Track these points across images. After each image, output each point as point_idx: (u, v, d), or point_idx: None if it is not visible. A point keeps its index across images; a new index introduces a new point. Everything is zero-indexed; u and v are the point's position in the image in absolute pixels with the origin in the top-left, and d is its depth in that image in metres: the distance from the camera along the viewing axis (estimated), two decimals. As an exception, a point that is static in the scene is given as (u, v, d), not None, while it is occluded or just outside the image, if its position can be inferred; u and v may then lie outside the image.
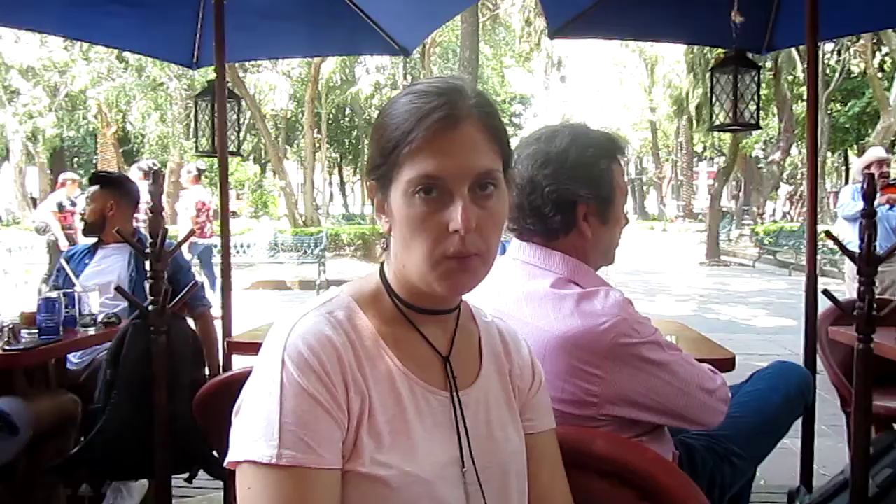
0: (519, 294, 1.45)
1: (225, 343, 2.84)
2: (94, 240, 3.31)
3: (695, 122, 26.82)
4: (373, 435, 0.90)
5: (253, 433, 0.86)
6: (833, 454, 3.16)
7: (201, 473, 2.60)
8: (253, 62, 20.59)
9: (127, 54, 16.66)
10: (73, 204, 9.84)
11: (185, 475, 2.56)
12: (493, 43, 28.99)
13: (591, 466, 1.19)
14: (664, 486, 1.13)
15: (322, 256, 12.23)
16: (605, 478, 1.18)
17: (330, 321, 0.93)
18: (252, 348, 2.41)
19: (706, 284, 13.09)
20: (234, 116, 3.71)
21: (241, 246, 12.00)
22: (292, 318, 0.94)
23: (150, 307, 2.16)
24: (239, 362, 2.71)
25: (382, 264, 1.03)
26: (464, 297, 1.06)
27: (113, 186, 3.28)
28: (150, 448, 2.15)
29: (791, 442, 2.89)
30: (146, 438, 2.15)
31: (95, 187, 3.27)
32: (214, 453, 2.29)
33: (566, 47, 33.76)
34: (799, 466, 2.95)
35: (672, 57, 28.06)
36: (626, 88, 39.48)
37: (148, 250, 2.15)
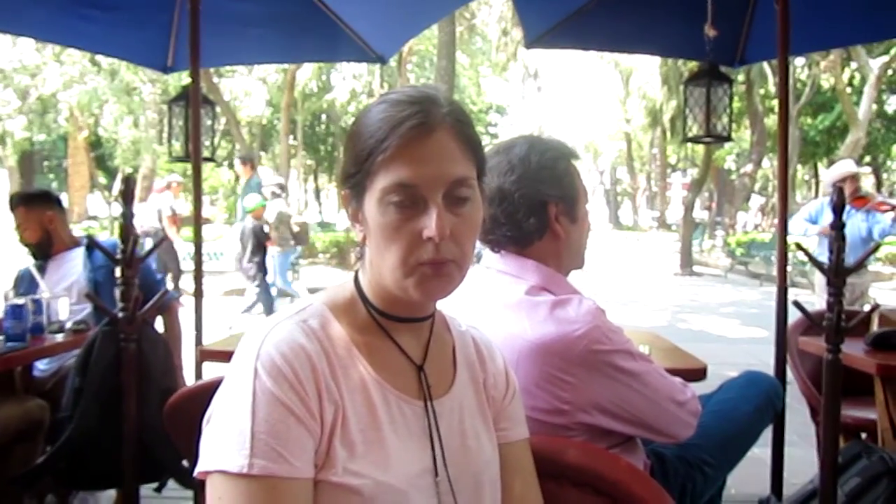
0: (493, 302, 1.46)
1: (196, 351, 2.81)
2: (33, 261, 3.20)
3: (668, 133, 27.13)
4: (346, 444, 0.89)
5: (224, 442, 0.84)
6: (803, 463, 3.19)
7: (171, 483, 2.57)
8: (228, 67, 20.46)
9: (100, 57, 16.49)
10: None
11: (154, 485, 2.52)
12: (470, 52, 29.07)
13: (564, 476, 1.19)
14: (636, 495, 1.14)
15: (296, 264, 12.15)
16: (578, 487, 1.18)
17: (304, 329, 0.92)
18: (224, 356, 2.39)
19: (679, 294, 13.21)
20: (209, 122, 3.69)
21: (214, 253, 11.89)
22: (265, 326, 0.93)
23: (121, 314, 2.13)
24: (211, 371, 2.68)
25: (357, 272, 1.03)
26: (438, 307, 1.06)
27: (41, 201, 3.20)
28: (119, 457, 2.12)
29: (761, 451, 2.91)
30: (114, 447, 2.12)
31: (21, 209, 3.14)
32: (185, 463, 2.26)
33: (542, 58, 34.04)
34: (769, 475, 2.98)
35: (647, 69, 28.36)
36: (602, 99, 39.87)
37: (119, 256, 2.12)
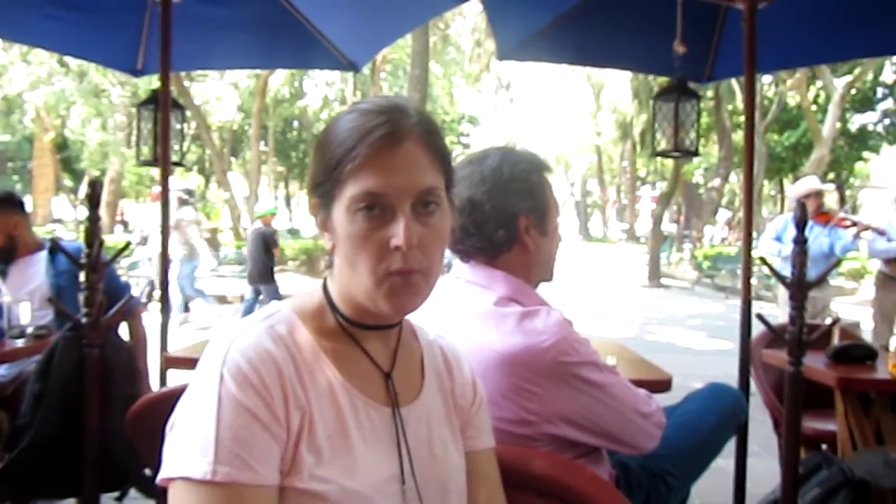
0: (462, 312, 1.46)
1: (161, 358, 2.77)
2: None
3: (638, 147, 27.50)
4: (312, 450, 0.89)
5: (187, 449, 0.84)
6: (765, 474, 3.23)
7: (132, 492, 2.52)
8: (199, 72, 20.29)
9: (68, 58, 16.24)
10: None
11: (116, 494, 2.48)
12: (444, 62, 29.18)
13: (530, 486, 1.19)
14: (601, 505, 1.15)
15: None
16: (543, 497, 1.18)
17: (271, 335, 0.92)
18: (189, 363, 2.36)
19: (647, 306, 13.33)
20: (178, 126, 3.65)
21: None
22: (232, 331, 0.93)
23: (84, 319, 2.09)
24: (176, 378, 2.64)
25: (325, 280, 1.03)
26: (407, 316, 1.06)
27: (5, 205, 3.14)
28: (80, 465, 2.08)
29: (725, 462, 2.94)
30: (75, 455, 2.08)
31: None
32: (147, 471, 2.22)
33: (515, 69, 34.26)
34: (732, 486, 3.01)
35: (618, 83, 28.69)
36: (573, 112, 40.22)
37: (83, 260, 2.08)
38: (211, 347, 0.92)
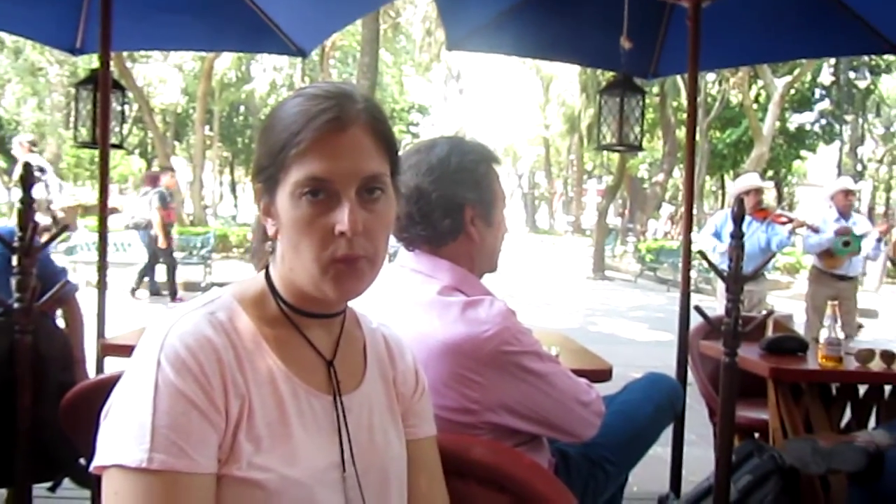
0: (406, 301, 1.47)
1: (98, 345, 2.70)
2: None
3: (585, 140, 27.78)
4: (251, 438, 0.88)
5: (122, 436, 0.82)
6: (701, 462, 3.32)
7: (66, 482, 2.46)
8: (142, 52, 19.76)
9: (3, 35, 15.63)
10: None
11: (48, 484, 2.41)
12: (394, 51, 29.03)
13: (471, 473, 1.20)
14: (540, 492, 1.17)
15: (208, 258, 11.85)
16: (484, 485, 1.20)
17: (211, 322, 0.91)
18: (127, 351, 2.31)
19: (591, 298, 13.54)
20: (119, 108, 3.55)
21: (121, 244, 11.43)
22: (171, 318, 0.91)
23: (17, 304, 2.03)
24: (113, 365, 2.58)
25: (268, 267, 1.02)
26: (350, 304, 1.06)
27: None
28: (11, 455, 2.01)
29: (662, 450, 3.02)
30: (6, 444, 2.01)
31: None
32: (81, 461, 2.17)
33: (465, 60, 34.31)
34: (669, 473, 3.09)
35: (566, 77, 28.93)
36: (522, 104, 40.41)
37: (16, 244, 2.02)
38: (148, 334, 0.90)
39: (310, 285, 0.94)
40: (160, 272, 10.16)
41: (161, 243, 9.59)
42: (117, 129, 3.53)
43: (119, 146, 3.65)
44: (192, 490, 0.83)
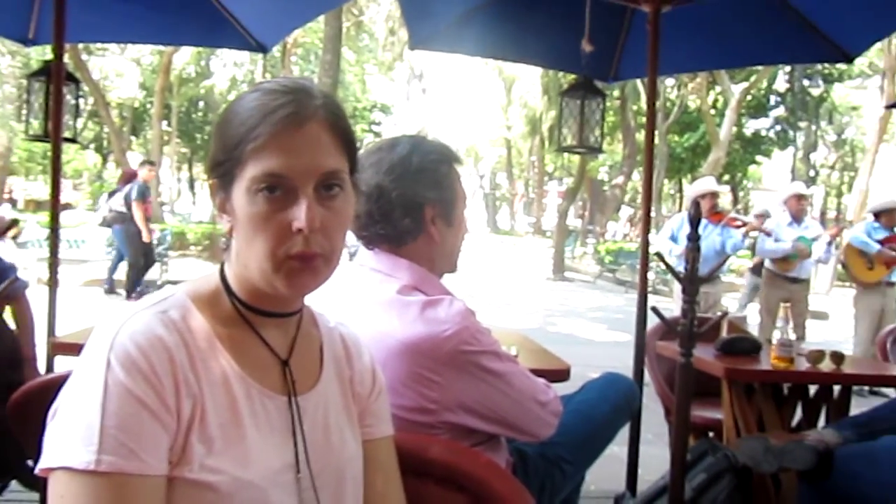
0: (365, 300, 1.45)
1: (48, 344, 2.63)
2: None
3: (547, 142, 28.02)
4: (204, 439, 0.86)
5: (70, 437, 0.80)
6: (657, 460, 3.36)
7: (14, 484, 2.40)
8: (98, 45, 19.35)
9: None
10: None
11: (-5, 486, 2.35)
12: (357, 49, 28.87)
13: (428, 473, 1.20)
14: (497, 491, 1.17)
15: (165, 255, 11.65)
16: (441, 484, 1.19)
17: (163, 321, 0.89)
18: (78, 350, 2.25)
19: (550, 298, 13.65)
20: (73, 101, 3.47)
21: (74, 241, 11.20)
22: (121, 316, 0.88)
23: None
24: (63, 365, 2.52)
25: (223, 264, 1.00)
26: (307, 302, 1.04)
27: None
28: (-46, 457, 1.96)
29: (619, 449, 3.05)
30: (-51, 446, 1.95)
31: None
32: (29, 462, 2.11)
33: (428, 60, 34.30)
34: (625, 472, 3.13)
35: (529, 78, 29.12)
36: (485, 105, 40.58)
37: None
38: (97, 332, 0.87)
39: (262, 281, 0.92)
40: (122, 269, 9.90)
41: (145, 237, 9.32)
42: (71, 123, 3.45)
43: (72, 140, 3.57)
44: (142, 492, 0.81)
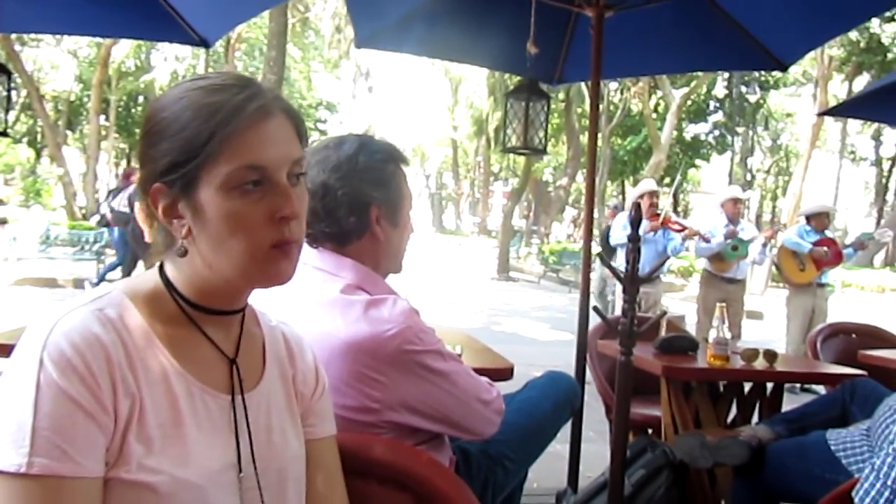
0: (308, 299, 1.44)
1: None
2: None
3: (492, 143, 28.24)
4: (142, 439, 0.85)
5: (0, 439, 0.77)
6: (598, 458, 3.42)
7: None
8: (32, 35, 18.69)
9: None
10: None
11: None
12: (302, 46, 28.57)
13: (370, 472, 1.20)
14: (439, 490, 1.17)
15: (101, 254, 11.34)
16: (383, 483, 1.19)
17: (99, 318, 0.86)
18: (7, 350, 2.17)
19: (495, 298, 13.73)
20: (4, 93, 3.35)
21: (10, 238, 10.81)
22: (55, 314, 0.86)
23: None
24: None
25: (162, 264, 0.98)
26: (249, 301, 1.03)
27: None
28: None
29: (561, 447, 3.10)
30: None
31: None
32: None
33: (375, 58, 34.15)
34: (567, 469, 3.17)
35: (475, 79, 29.28)
36: (431, 105, 40.65)
37: None
38: (30, 331, 0.85)
39: (237, 277, 0.93)
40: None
41: (148, 237, 9.08)
42: (2, 116, 3.33)
43: (3, 134, 3.45)
44: (77, 495, 0.79)
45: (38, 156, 30.45)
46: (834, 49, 20.56)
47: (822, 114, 17.47)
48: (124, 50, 23.26)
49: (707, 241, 6.29)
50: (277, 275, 0.94)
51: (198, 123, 0.89)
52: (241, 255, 0.91)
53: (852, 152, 31.08)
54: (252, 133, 0.90)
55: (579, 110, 23.06)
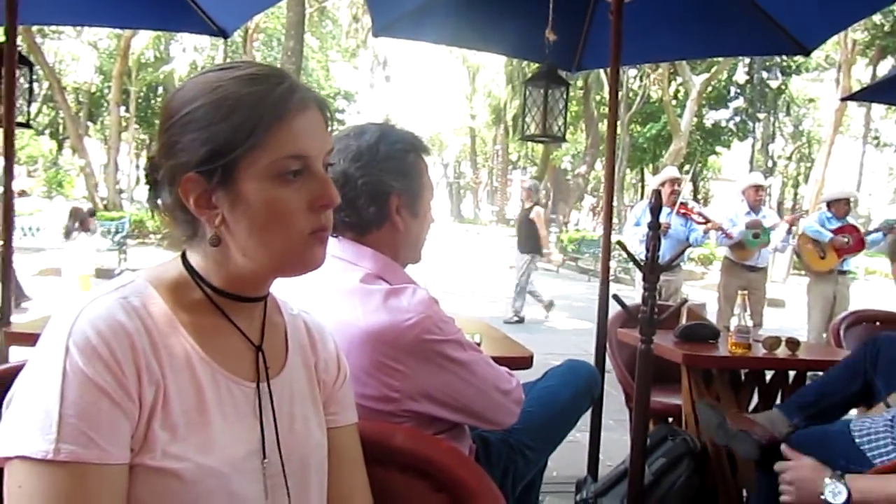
0: (327, 288, 1.44)
1: (2, 334, 2.57)
2: None
3: (511, 131, 28.14)
4: (167, 426, 0.85)
5: (27, 426, 0.78)
6: (618, 446, 3.41)
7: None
8: (53, 27, 18.84)
9: None
10: None
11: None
12: (320, 35, 28.59)
13: (391, 461, 1.20)
14: (460, 478, 1.17)
15: (123, 244, 11.46)
16: (404, 472, 1.19)
17: (123, 306, 0.87)
18: (33, 339, 2.20)
19: (514, 287, 13.68)
20: (26, 84, 3.38)
21: (29, 228, 10.94)
22: (80, 302, 0.87)
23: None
24: (19, 355, 2.46)
25: (184, 253, 0.98)
26: (270, 289, 1.04)
27: None
28: None
29: (581, 435, 3.10)
30: None
31: None
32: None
33: (392, 47, 34.10)
34: (587, 457, 3.17)
35: (493, 67, 29.18)
36: (449, 94, 40.56)
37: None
38: (56, 319, 0.86)
39: (276, 263, 0.95)
40: None
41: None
42: (25, 108, 3.36)
43: (26, 125, 3.49)
44: (103, 481, 0.79)
45: (60, 147, 30.76)
46: (857, 33, 20.21)
47: (845, 99, 17.19)
48: (144, 41, 23.39)
49: (730, 237, 6.24)
50: (314, 261, 0.97)
51: (242, 113, 0.89)
52: (283, 241, 0.93)
53: (876, 138, 30.57)
54: (296, 123, 0.92)
55: (598, 97, 22.93)
